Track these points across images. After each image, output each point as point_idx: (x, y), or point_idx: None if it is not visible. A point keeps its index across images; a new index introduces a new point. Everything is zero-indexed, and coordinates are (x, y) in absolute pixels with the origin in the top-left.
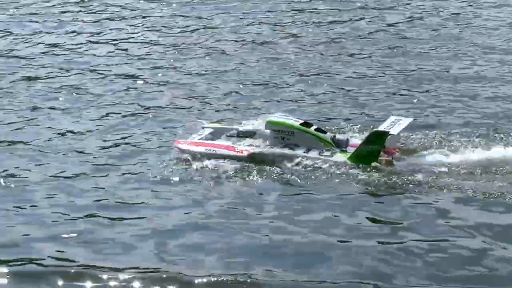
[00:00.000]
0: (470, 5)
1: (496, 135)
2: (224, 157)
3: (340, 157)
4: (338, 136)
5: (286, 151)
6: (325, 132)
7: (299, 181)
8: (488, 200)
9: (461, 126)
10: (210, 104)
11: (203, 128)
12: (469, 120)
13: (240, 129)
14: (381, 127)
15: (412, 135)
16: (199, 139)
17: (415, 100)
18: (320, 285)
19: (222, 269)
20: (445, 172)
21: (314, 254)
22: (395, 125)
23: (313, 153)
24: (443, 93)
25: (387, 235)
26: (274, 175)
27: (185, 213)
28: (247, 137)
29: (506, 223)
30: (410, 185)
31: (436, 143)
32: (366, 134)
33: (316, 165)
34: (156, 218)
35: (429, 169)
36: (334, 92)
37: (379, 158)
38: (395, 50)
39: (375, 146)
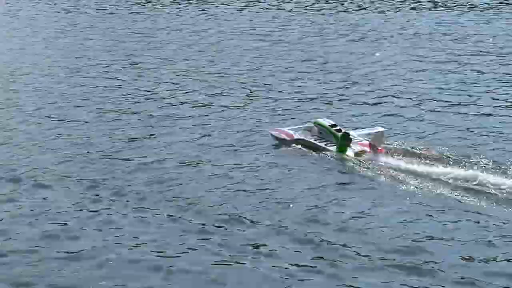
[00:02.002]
0: None
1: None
2: (284, 139)
3: (333, 148)
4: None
5: (311, 140)
6: (340, 131)
7: (304, 157)
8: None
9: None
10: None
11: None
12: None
13: (306, 125)
14: (360, 130)
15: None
16: (288, 129)
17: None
18: None
19: None
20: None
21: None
22: (368, 130)
23: (322, 144)
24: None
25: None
26: (297, 152)
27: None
28: (308, 130)
29: None
30: (363, 174)
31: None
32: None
33: (321, 151)
34: None
35: (387, 168)
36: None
37: (355, 151)
38: None
39: (343, 142)
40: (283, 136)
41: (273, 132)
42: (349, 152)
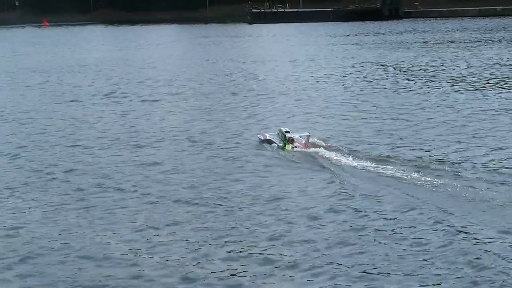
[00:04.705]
0: None
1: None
2: (262, 139)
3: (281, 145)
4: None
5: (273, 140)
6: (288, 133)
7: (261, 150)
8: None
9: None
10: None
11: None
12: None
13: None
14: (292, 132)
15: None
16: (266, 134)
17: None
18: None
19: None
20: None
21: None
22: (299, 133)
23: (277, 142)
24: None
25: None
26: (264, 147)
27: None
28: (277, 134)
29: None
30: (299, 162)
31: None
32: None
33: (275, 147)
34: None
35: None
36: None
37: (292, 146)
38: None
39: (285, 141)
40: (262, 137)
41: (258, 135)
42: (287, 147)
